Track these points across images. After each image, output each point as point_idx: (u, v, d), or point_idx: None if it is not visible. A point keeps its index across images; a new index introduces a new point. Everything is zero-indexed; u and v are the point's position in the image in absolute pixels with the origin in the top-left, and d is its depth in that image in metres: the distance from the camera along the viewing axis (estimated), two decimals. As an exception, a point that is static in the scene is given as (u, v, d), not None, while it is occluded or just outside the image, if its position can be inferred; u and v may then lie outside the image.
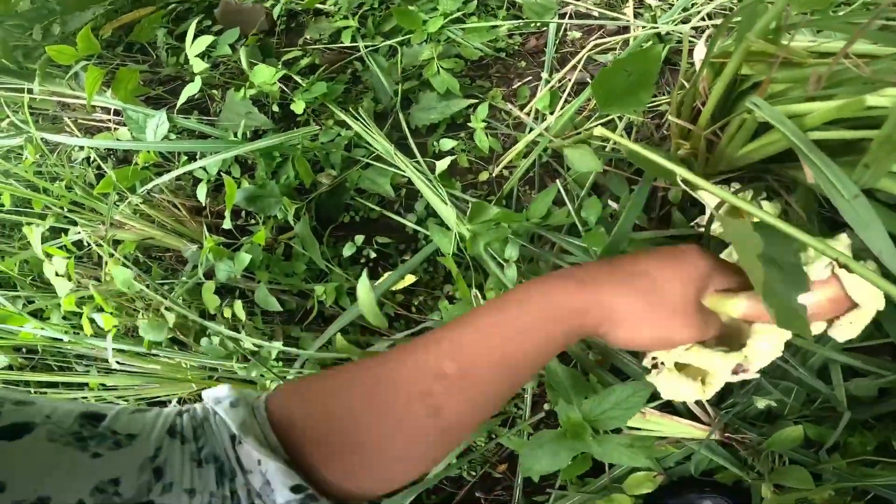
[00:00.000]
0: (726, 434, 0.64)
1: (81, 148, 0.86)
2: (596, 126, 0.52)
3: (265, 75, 0.77)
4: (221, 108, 0.86)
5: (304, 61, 0.92)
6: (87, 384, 0.71)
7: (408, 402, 0.35)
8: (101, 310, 0.64)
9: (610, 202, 0.70)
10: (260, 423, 0.35)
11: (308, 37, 1.00)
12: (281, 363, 0.69)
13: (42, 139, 0.75)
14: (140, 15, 0.92)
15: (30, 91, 0.81)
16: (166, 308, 0.63)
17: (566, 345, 0.39)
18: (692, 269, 0.40)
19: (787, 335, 0.41)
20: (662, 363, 0.45)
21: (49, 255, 0.64)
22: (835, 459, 0.62)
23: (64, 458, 0.29)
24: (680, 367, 0.45)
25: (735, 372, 0.42)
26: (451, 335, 0.37)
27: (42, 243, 0.66)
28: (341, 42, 0.95)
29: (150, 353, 0.65)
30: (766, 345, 0.41)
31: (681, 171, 0.42)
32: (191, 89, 0.74)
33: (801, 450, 0.63)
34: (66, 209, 0.71)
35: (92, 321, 0.65)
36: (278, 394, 0.37)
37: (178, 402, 0.74)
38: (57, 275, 0.63)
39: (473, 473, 0.82)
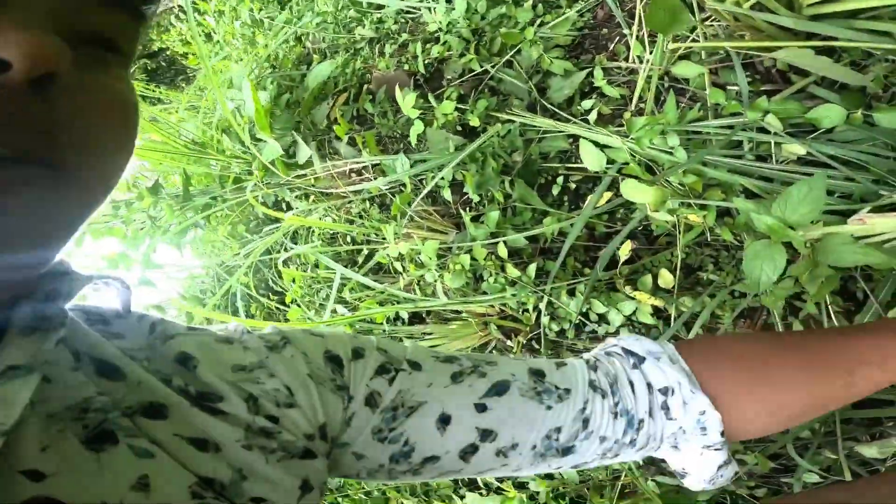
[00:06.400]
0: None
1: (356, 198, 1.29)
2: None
3: (448, 107, 1.14)
4: (416, 147, 1.25)
5: (454, 94, 1.29)
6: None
7: (833, 375, 0.43)
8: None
9: (729, 87, 0.95)
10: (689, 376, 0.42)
11: (448, 77, 1.37)
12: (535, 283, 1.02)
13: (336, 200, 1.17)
14: (341, 99, 1.36)
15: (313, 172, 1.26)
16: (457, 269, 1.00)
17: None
18: None
19: None
20: None
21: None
22: None
23: (529, 410, 0.38)
24: None
25: None
26: (856, 345, 0.45)
27: (360, 266, 1.05)
28: (471, 71, 1.31)
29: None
30: None
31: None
32: (416, 129, 1.12)
33: None
34: (370, 234, 1.11)
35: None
36: (693, 348, 0.45)
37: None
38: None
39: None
